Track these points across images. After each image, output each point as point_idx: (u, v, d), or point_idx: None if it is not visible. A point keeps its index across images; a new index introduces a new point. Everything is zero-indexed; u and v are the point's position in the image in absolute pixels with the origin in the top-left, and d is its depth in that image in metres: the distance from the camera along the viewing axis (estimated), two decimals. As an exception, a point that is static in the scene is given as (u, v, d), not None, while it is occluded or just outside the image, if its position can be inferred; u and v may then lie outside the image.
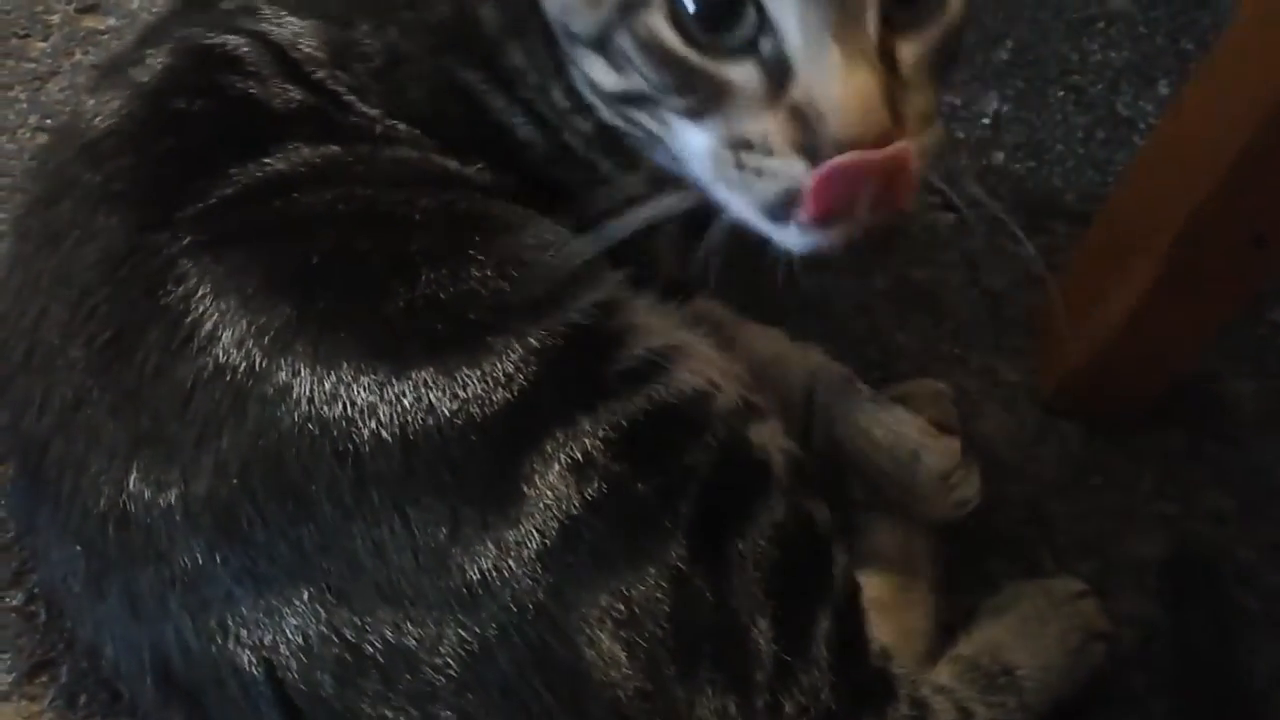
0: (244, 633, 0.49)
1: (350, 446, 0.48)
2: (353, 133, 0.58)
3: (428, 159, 0.59)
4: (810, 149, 0.49)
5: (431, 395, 0.49)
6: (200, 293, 0.51)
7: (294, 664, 0.48)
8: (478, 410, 0.50)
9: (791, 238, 0.52)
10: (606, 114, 0.59)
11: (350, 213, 0.54)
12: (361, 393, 0.49)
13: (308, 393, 0.49)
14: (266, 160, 0.55)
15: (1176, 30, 1.13)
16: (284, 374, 0.49)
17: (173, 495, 0.49)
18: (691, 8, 0.50)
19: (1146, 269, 0.71)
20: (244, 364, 0.49)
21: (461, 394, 0.50)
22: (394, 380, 0.49)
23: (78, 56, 0.96)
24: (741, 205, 0.53)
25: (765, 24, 0.49)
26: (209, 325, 0.50)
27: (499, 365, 0.51)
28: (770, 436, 0.59)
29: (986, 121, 1.01)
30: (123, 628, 0.52)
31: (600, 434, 0.51)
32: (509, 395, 0.50)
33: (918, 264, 0.88)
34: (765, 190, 0.51)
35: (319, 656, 0.48)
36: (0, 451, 0.59)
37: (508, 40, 0.61)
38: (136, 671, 0.52)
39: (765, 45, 0.50)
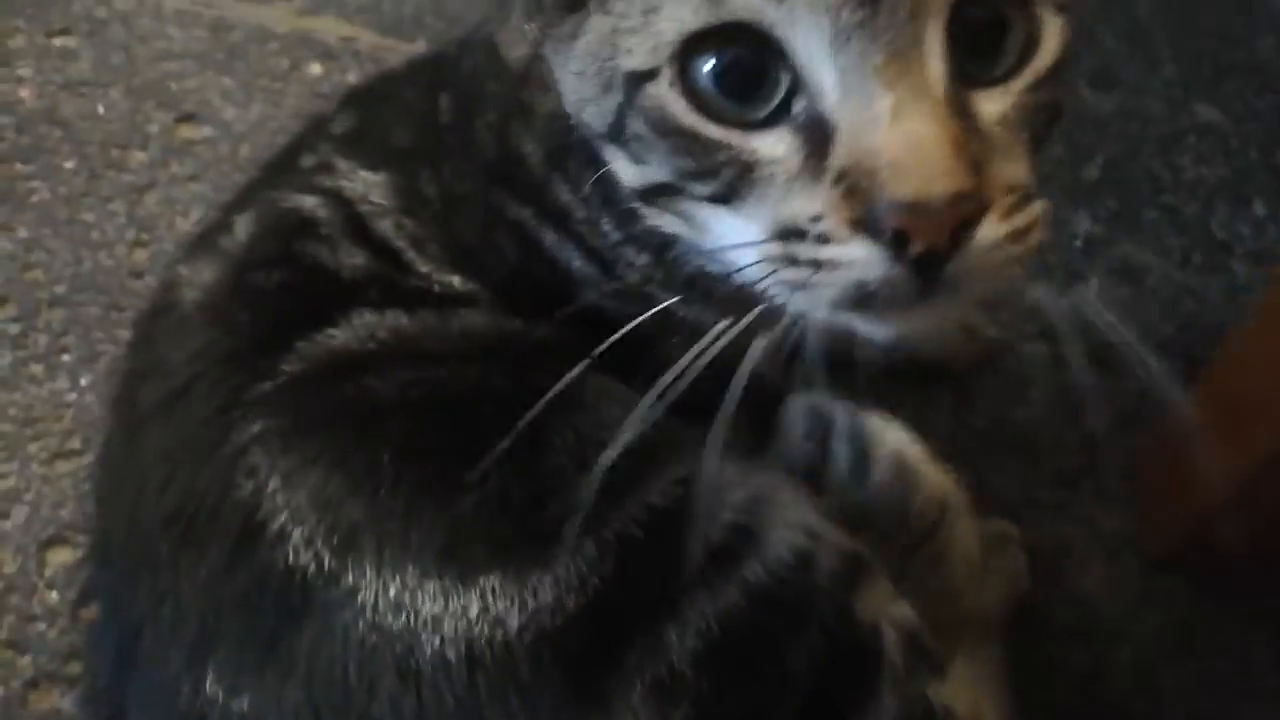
0: None
1: (413, 665, 0.46)
2: (415, 297, 0.57)
3: (495, 325, 0.57)
4: (871, 222, 0.42)
5: (499, 605, 0.46)
6: (270, 487, 0.49)
7: None
8: (549, 620, 0.46)
9: (881, 325, 0.47)
10: (649, 220, 0.54)
11: (421, 399, 0.52)
12: (426, 602, 0.46)
13: (373, 600, 0.47)
14: (332, 331, 0.55)
15: (1269, 144, 1.10)
16: (350, 577, 0.47)
17: (245, 702, 0.48)
18: (707, 73, 0.44)
19: (1266, 437, 0.68)
20: (312, 565, 0.48)
21: (531, 603, 0.46)
22: (460, 588, 0.46)
23: (174, 168, 0.98)
24: (811, 306, 0.47)
25: (796, 81, 0.44)
26: (278, 523, 0.49)
27: (571, 567, 0.47)
28: (879, 602, 0.54)
29: (1079, 244, 0.99)
30: None
31: (688, 644, 0.46)
32: (583, 600, 0.46)
33: (1014, 402, 0.87)
34: (831, 286, 0.44)
35: None
36: (99, 633, 0.59)
37: (552, 173, 0.59)
38: None
39: (798, 106, 0.44)
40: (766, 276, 0.47)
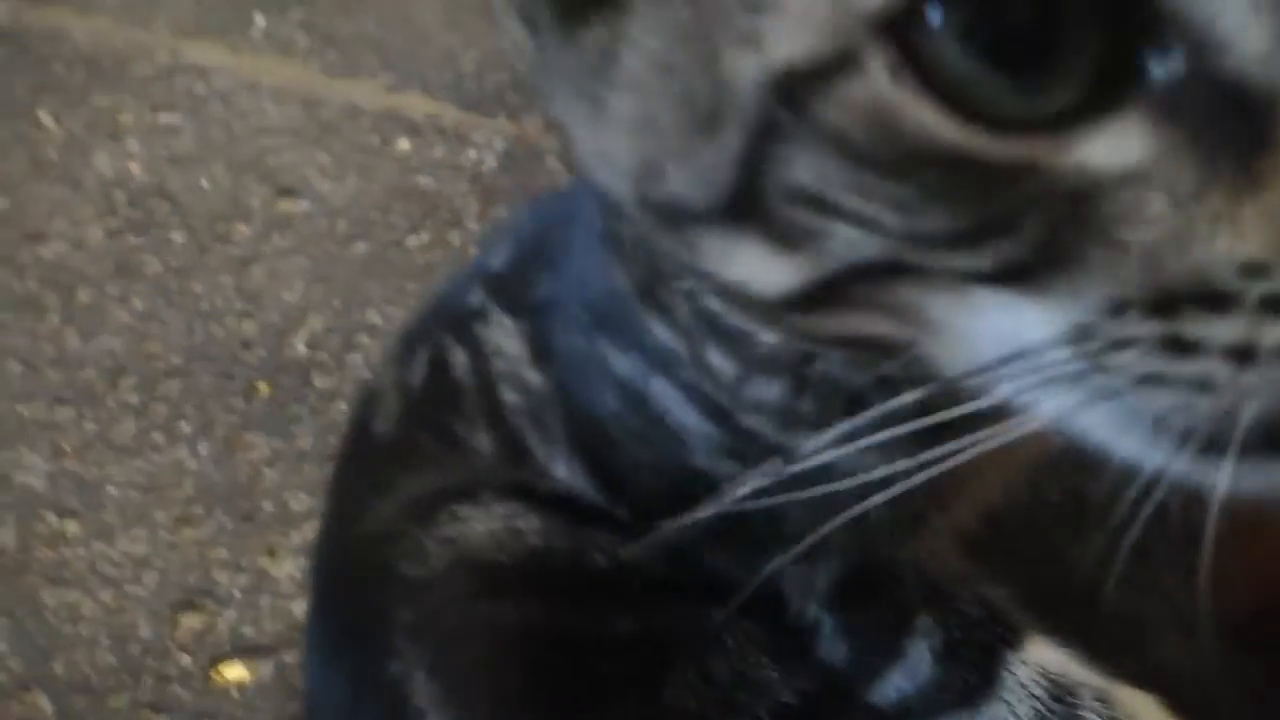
0: None
1: None
2: (527, 489, 0.56)
3: (611, 544, 0.53)
4: None
5: None
6: (416, 681, 0.51)
7: None
8: None
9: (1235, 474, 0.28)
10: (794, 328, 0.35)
11: (543, 630, 0.52)
12: None
13: None
14: (469, 512, 0.55)
15: None
16: None
17: None
18: (962, 37, 0.25)
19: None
20: None
21: None
22: None
23: (276, 241, 1.03)
24: (1159, 446, 0.29)
25: (1150, 19, 0.24)
26: (418, 703, 0.51)
27: None
28: None
29: None
30: None
31: None
32: None
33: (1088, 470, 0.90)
34: (1254, 396, 0.27)
35: None
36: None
37: (644, 309, 0.46)
38: None
39: (1160, 67, 0.25)
40: (1074, 388, 0.29)
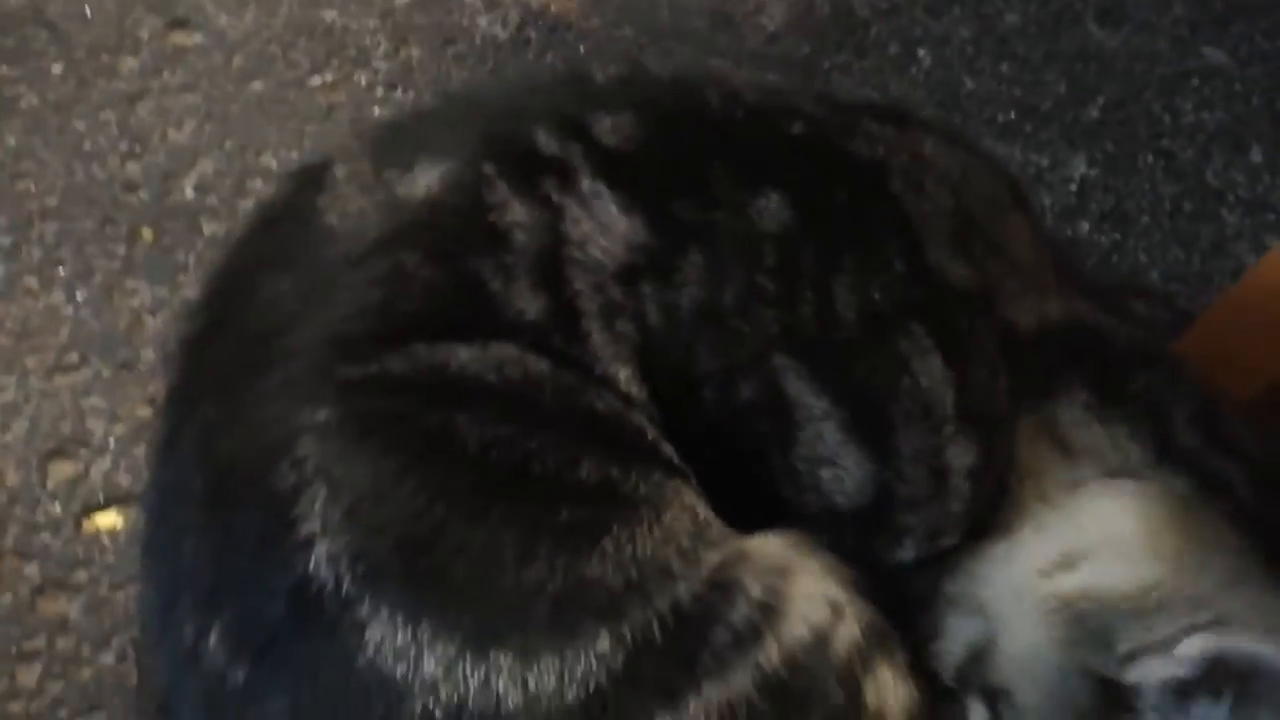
0: None
1: (399, 717, 0.45)
2: (566, 361, 0.52)
3: (625, 419, 0.52)
4: None
5: (501, 684, 0.45)
6: (312, 490, 0.47)
7: None
8: (545, 706, 0.45)
9: None
10: None
11: (501, 463, 0.49)
12: (431, 662, 0.45)
13: (378, 639, 0.46)
14: (460, 348, 0.50)
15: (1273, 90, 1.10)
16: (364, 611, 0.46)
17: (241, 676, 0.48)
18: None
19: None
20: (331, 583, 0.46)
21: (534, 686, 0.46)
22: (468, 658, 0.46)
23: (165, 76, 0.96)
24: None
25: None
26: (309, 529, 0.47)
27: (583, 658, 0.46)
28: (893, 684, 0.53)
29: (1073, 188, 1.00)
30: None
31: None
32: (583, 693, 0.46)
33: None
34: None
35: None
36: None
37: None
38: None
39: None
40: None
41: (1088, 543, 0.57)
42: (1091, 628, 0.54)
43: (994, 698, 0.56)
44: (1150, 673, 0.52)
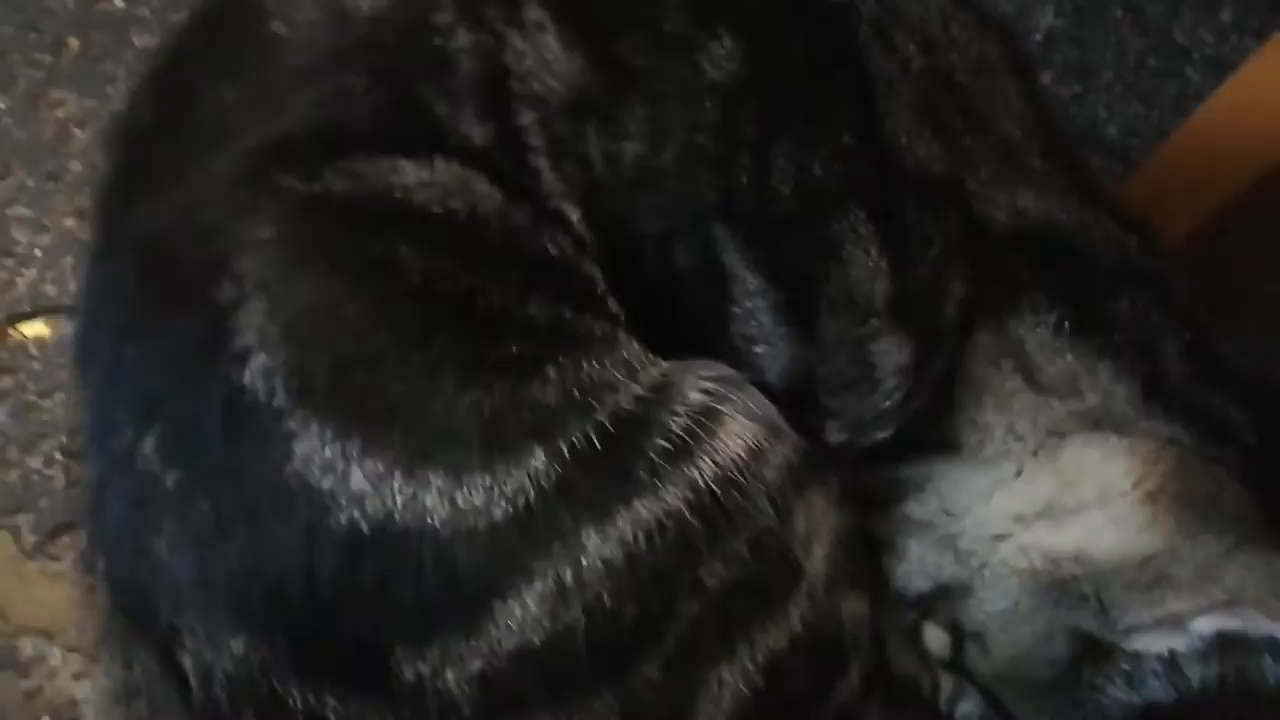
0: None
1: (322, 528, 0.45)
2: (519, 193, 0.51)
3: (577, 267, 0.51)
4: None
5: (428, 499, 0.45)
6: (249, 305, 0.47)
7: None
8: (471, 523, 0.45)
9: None
10: None
11: (447, 296, 0.48)
12: (358, 477, 0.45)
13: (306, 452, 0.45)
14: (404, 163, 0.49)
15: (1251, -52, 1.07)
16: (294, 423, 0.46)
17: (172, 480, 0.48)
18: None
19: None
20: (262, 395, 0.46)
21: (462, 502, 0.45)
22: (397, 474, 0.45)
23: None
24: None
25: None
26: (244, 342, 0.46)
27: (513, 475, 0.46)
28: (824, 510, 0.52)
29: (1038, 38, 0.97)
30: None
31: (606, 550, 0.45)
32: (510, 511, 0.45)
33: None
34: None
35: None
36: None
37: None
38: None
39: None
40: None
41: (1076, 500, 0.54)
42: (1083, 593, 0.52)
43: (959, 634, 0.55)
44: (1156, 643, 0.50)
